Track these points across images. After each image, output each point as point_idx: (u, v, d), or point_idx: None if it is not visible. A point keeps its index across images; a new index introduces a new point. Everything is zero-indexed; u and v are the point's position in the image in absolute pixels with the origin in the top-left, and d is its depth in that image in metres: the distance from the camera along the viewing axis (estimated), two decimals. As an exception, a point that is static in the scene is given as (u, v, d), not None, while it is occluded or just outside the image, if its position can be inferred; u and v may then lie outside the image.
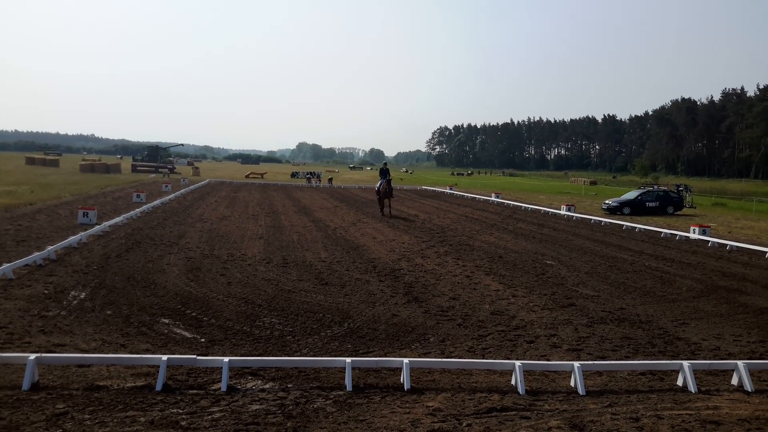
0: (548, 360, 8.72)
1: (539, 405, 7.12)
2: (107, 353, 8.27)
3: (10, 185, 39.08)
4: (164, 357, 7.41)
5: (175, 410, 6.54)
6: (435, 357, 8.77)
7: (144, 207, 28.49)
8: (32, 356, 7.18)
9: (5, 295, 11.21)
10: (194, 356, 7.72)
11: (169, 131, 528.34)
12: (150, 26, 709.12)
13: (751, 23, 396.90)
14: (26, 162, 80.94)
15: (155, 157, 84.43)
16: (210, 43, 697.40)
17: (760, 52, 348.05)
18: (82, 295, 11.57)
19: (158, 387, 7.13)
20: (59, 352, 8.15)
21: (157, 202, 31.95)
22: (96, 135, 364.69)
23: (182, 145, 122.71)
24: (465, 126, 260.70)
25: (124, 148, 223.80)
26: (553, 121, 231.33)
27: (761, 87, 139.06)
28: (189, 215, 27.25)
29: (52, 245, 15.68)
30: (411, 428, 6.31)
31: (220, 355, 8.20)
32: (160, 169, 75.22)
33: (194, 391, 7.12)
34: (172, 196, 37.50)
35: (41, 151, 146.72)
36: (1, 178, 46.98)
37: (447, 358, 8.74)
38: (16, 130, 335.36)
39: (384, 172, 31.28)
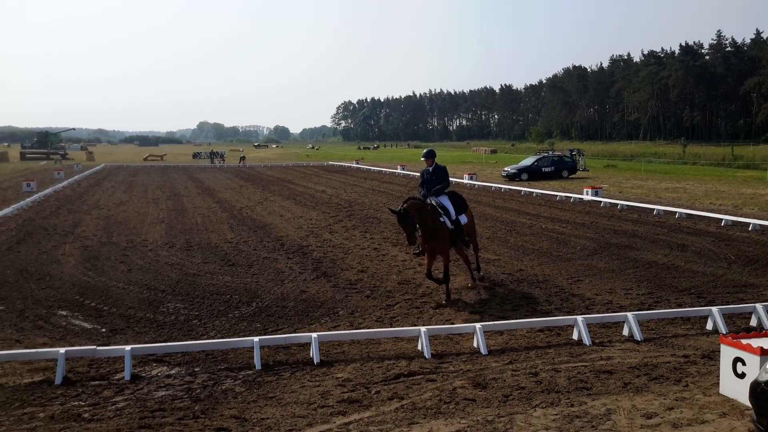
0: (452, 324, 9.02)
1: (444, 367, 7.39)
2: (0, 350, 7.87)
3: None
4: (62, 350, 7.14)
5: (76, 403, 6.34)
6: (344, 329, 8.89)
7: (35, 196, 26.98)
8: None
9: None
10: (94, 347, 7.49)
11: (60, 116, 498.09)
12: (36, 4, 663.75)
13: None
14: None
15: (45, 143, 79.62)
16: (100, 24, 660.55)
17: (644, 19, 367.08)
18: (-31, 293, 10.89)
19: (58, 381, 6.87)
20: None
21: (49, 190, 30.31)
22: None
23: (74, 129, 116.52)
24: (369, 100, 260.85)
25: (11, 135, 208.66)
26: (453, 92, 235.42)
27: (645, 53, 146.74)
28: (84, 202, 26.03)
29: (-69, 242, 14.61)
30: (321, 400, 6.41)
31: (123, 344, 7.97)
32: (51, 156, 71.29)
33: (96, 382, 6.92)
34: (65, 183, 35.69)
35: None
36: None
37: (356, 329, 8.88)
38: None
39: (431, 180, 11.11)
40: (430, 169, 11.07)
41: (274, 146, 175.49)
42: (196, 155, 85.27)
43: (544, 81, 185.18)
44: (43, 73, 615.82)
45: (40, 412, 6.10)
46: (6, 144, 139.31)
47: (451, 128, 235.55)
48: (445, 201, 10.73)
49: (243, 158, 68.51)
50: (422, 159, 11.32)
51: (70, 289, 11.22)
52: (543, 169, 39.55)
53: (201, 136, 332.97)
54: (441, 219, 10.34)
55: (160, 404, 6.32)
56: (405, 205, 10.02)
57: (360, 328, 8.92)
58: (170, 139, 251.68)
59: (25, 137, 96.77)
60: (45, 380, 6.97)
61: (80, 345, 8.01)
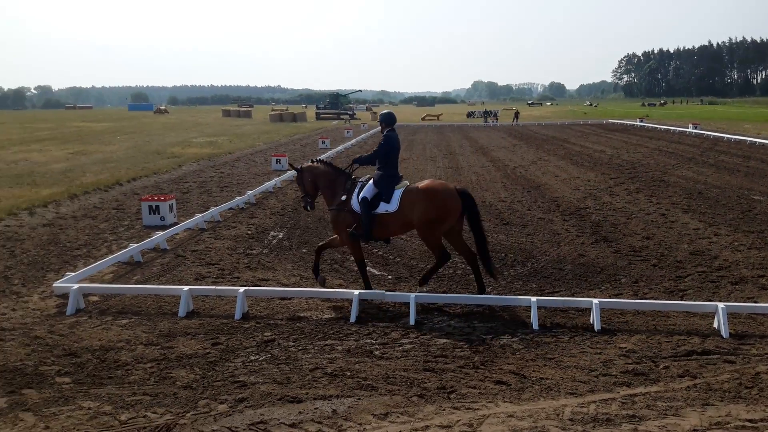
0: (756, 302, 7.97)
1: (745, 349, 6.58)
2: (305, 287, 8.92)
3: (211, 136, 42.96)
4: (356, 292, 7.85)
5: (368, 341, 6.93)
6: (627, 298, 8.39)
7: (329, 152, 29.91)
8: (241, 290, 7.95)
9: (215, 236, 12.45)
10: (383, 291, 8.10)
11: (348, 79, 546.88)
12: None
13: None
14: (222, 114, 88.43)
15: (336, 104, 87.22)
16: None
17: None
18: (280, 235, 12.51)
19: (352, 319, 7.58)
20: (264, 286, 8.93)
21: (340, 147, 33.35)
22: (282, 86, 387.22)
23: (360, 91, 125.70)
24: (656, 51, 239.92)
25: (307, 97, 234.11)
26: (759, 40, 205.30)
27: None
28: (371, 159, 28.10)
29: (251, 190, 17.06)
30: (603, 368, 6.14)
31: (407, 291, 8.50)
32: (341, 116, 77.86)
33: (384, 324, 7.47)
34: (354, 141, 38.93)
35: (235, 103, 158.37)
36: (203, 130, 51.78)
37: (641, 299, 8.32)
38: (211, 85, 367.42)
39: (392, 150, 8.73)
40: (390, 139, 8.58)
41: (548, 104, 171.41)
42: (469, 114, 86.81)
43: None
44: (335, 40, 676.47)
45: (339, 345, 6.79)
46: (304, 105, 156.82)
47: (754, 81, 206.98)
48: (376, 177, 8.45)
49: (517, 113, 67.61)
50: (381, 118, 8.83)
51: (361, 237, 12.24)
52: None
53: (474, 95, 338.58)
54: (342, 196, 8.55)
55: (442, 350, 6.61)
56: (304, 165, 9.21)
57: (646, 298, 8.35)
58: (445, 99, 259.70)
59: (319, 99, 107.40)
60: (341, 317, 7.73)
61: (371, 289, 8.72)
